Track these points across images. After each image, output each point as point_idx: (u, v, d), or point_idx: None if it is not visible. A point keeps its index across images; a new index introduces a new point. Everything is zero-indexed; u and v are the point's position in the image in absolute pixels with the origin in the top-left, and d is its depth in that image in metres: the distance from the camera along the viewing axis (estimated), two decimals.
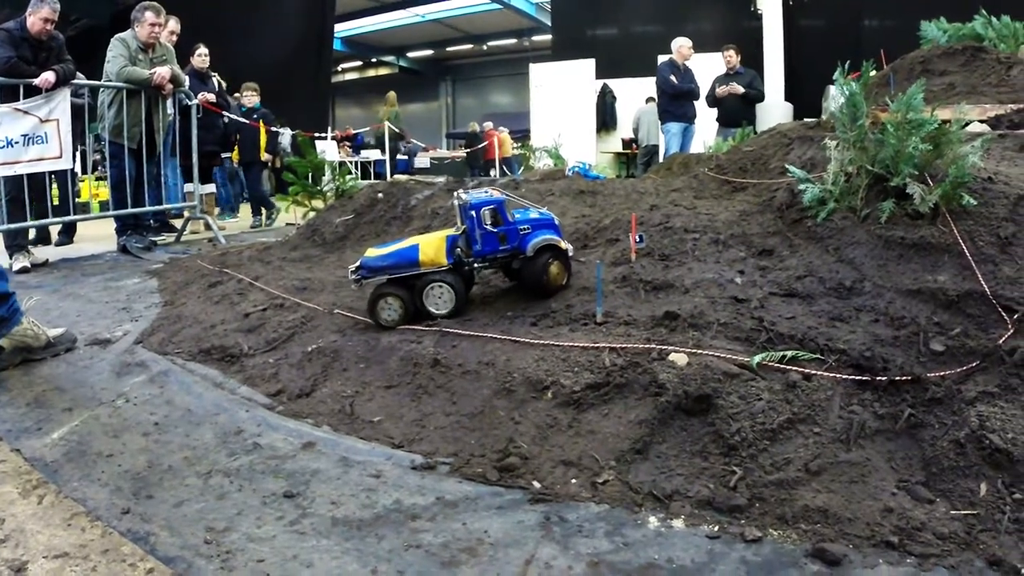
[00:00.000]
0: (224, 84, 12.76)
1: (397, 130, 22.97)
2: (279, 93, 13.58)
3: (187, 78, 9.85)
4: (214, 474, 3.04)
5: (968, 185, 3.75)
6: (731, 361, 3.20)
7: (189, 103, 9.80)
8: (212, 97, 11.02)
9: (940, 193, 3.72)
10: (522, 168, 13.97)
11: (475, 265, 4.32)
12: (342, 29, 38.80)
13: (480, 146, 24.70)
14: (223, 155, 13.08)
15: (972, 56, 7.62)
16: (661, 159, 13.02)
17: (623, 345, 3.41)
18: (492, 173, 22.64)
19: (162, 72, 8.85)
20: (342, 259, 6.22)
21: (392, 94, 24.71)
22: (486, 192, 4.37)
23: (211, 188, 12.31)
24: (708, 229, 4.63)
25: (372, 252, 4.26)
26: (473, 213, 4.20)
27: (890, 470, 2.75)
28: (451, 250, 4.22)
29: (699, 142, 12.69)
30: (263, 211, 12.75)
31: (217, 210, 12.55)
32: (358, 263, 4.22)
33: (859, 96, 4.13)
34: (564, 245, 4.27)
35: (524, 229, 4.24)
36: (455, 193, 4.59)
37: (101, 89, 8.89)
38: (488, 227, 4.20)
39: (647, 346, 3.37)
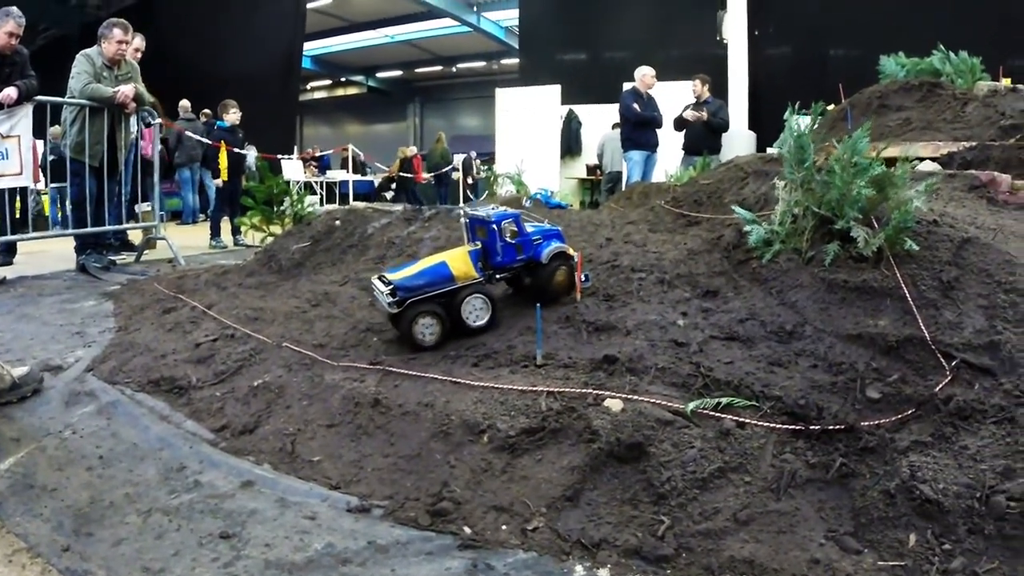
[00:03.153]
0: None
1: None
2: (247, 111, 13.56)
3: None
4: (154, 512, 3.03)
5: (912, 229, 3.79)
6: (666, 408, 3.21)
7: (152, 122, 9.77)
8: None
9: (884, 237, 3.76)
10: (485, 194, 13.97)
11: (495, 276, 4.52)
12: (311, 48, 39.03)
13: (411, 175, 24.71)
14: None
15: (929, 91, 7.77)
16: (624, 186, 13.09)
17: (560, 389, 3.43)
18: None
19: (125, 91, 8.81)
20: (296, 288, 6.19)
21: (442, 133, 27.87)
22: (502, 208, 4.64)
23: None
24: (655, 268, 4.66)
25: (396, 275, 4.31)
26: (495, 227, 4.39)
27: (819, 520, 2.76)
28: (476, 263, 4.40)
29: (662, 170, 12.75)
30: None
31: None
32: (391, 286, 4.23)
33: (806, 137, 4.16)
34: (572, 252, 4.54)
35: (537, 240, 4.50)
36: (462, 211, 4.84)
37: (64, 106, 8.84)
38: (507, 239, 4.41)
39: (583, 391, 3.39)
